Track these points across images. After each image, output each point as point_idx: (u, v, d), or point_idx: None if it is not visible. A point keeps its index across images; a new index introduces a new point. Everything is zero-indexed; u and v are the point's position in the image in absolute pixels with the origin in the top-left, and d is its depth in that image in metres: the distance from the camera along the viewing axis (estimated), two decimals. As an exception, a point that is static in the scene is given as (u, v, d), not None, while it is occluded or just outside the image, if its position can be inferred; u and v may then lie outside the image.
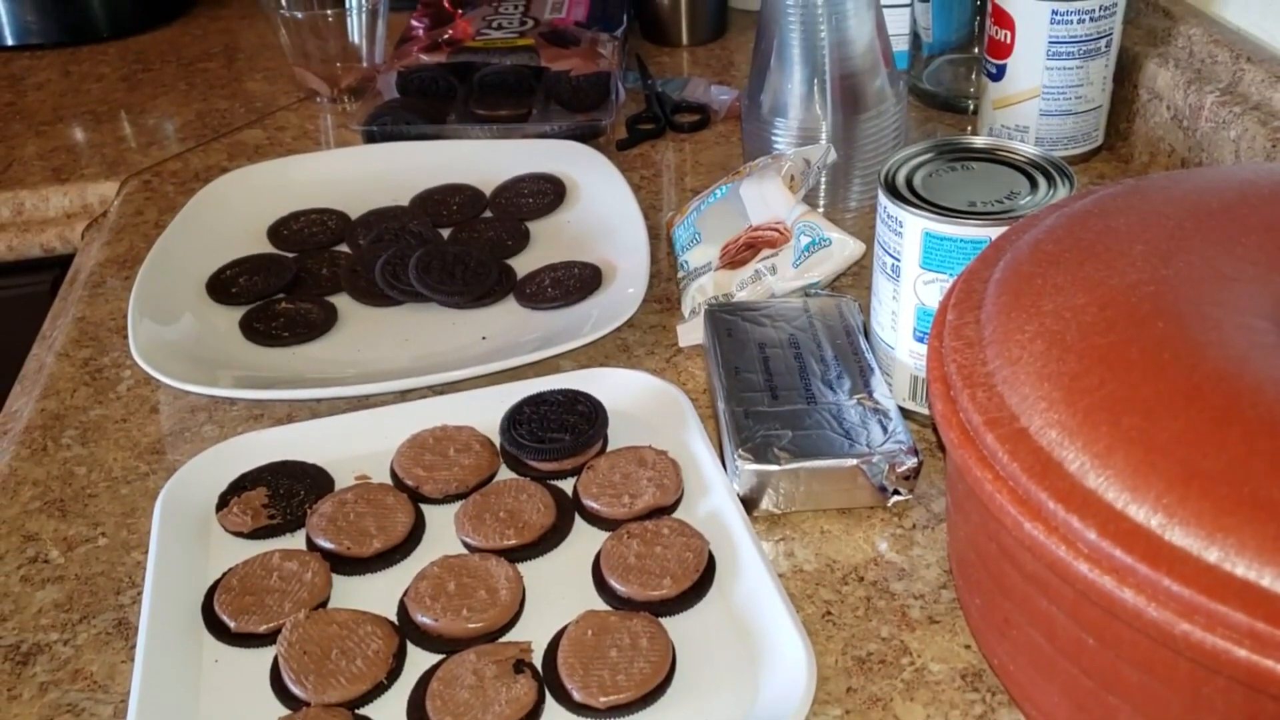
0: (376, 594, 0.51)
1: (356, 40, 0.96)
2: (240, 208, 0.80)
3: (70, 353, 0.69)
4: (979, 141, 0.58)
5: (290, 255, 0.76)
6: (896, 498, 0.53)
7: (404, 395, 0.63)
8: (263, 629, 0.49)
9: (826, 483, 0.53)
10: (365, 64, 0.97)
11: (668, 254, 0.74)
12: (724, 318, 0.62)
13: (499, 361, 0.63)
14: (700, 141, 0.90)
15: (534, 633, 0.49)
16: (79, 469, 0.60)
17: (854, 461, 0.52)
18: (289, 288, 0.73)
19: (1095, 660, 0.37)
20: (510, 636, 0.48)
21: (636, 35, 1.07)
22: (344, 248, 0.77)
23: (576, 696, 0.45)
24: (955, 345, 0.43)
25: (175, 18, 1.19)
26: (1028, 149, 0.57)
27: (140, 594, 0.52)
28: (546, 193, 0.81)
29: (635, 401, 0.60)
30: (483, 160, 0.84)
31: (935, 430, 0.57)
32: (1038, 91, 0.78)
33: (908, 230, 0.54)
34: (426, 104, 0.91)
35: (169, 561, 0.51)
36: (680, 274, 0.69)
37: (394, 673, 0.47)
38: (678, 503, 0.54)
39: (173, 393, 0.65)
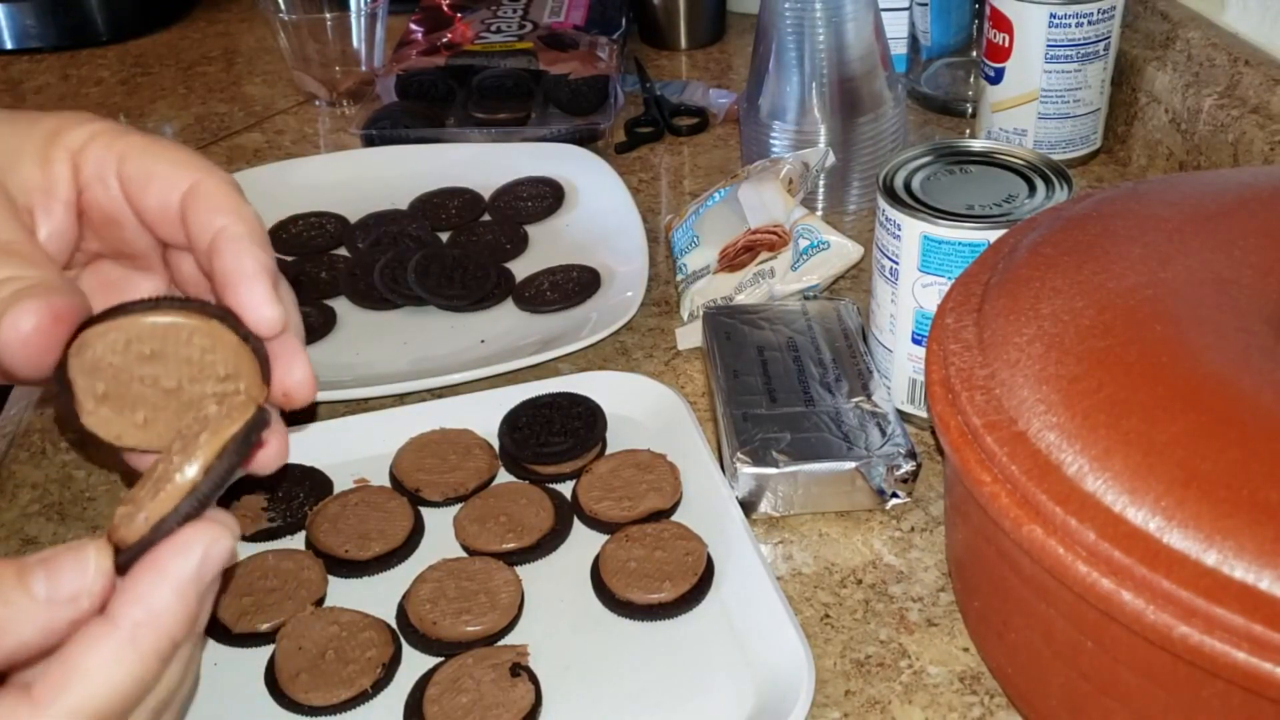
0: (375, 596, 0.51)
1: (355, 44, 0.96)
2: (239, 211, 0.80)
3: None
4: (977, 145, 0.58)
5: (289, 259, 0.76)
6: (895, 500, 0.53)
7: (403, 399, 0.63)
8: (264, 627, 0.49)
9: (825, 486, 0.53)
10: (364, 67, 0.97)
11: (666, 257, 0.74)
12: (722, 321, 0.62)
13: (498, 365, 0.63)
14: (699, 145, 0.90)
15: (532, 636, 0.49)
16: (78, 473, 0.60)
17: (852, 464, 0.52)
18: (288, 291, 0.73)
19: (1093, 663, 0.37)
20: (509, 640, 0.48)
21: (635, 38, 1.07)
22: (343, 251, 0.77)
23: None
24: (954, 348, 0.43)
25: (174, 21, 1.19)
26: (1026, 152, 0.57)
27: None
28: (545, 196, 0.81)
29: (634, 405, 0.60)
30: (481, 164, 0.84)
31: (934, 433, 0.57)
32: (1036, 95, 0.78)
33: (906, 233, 0.54)
34: (425, 107, 0.91)
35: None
36: (679, 277, 0.69)
37: (380, 683, 0.46)
38: (676, 506, 0.54)
39: (171, 396, 0.64)
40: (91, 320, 0.34)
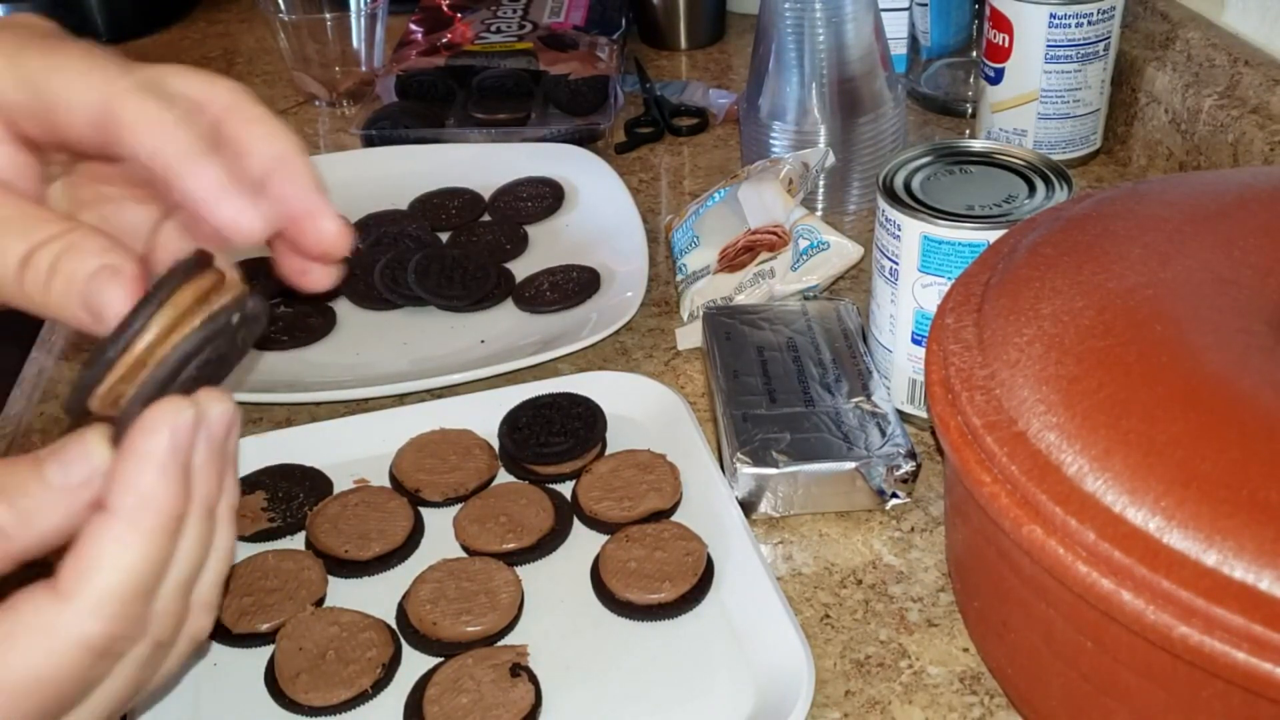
0: (375, 597, 0.51)
1: (355, 44, 0.96)
2: (239, 211, 0.80)
3: (70, 356, 0.69)
4: (977, 145, 0.58)
5: (289, 259, 0.76)
6: (895, 501, 0.53)
7: (402, 399, 0.63)
8: (264, 628, 0.49)
9: (825, 486, 0.53)
10: (364, 68, 0.97)
11: (666, 257, 0.74)
12: (722, 321, 0.62)
13: (497, 365, 0.63)
14: (699, 145, 0.90)
15: (532, 636, 0.49)
16: (77, 473, 0.60)
17: (852, 465, 0.52)
18: (288, 291, 0.72)
19: (1093, 663, 0.37)
20: (509, 640, 0.48)
21: (635, 39, 1.07)
22: (343, 251, 0.77)
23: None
24: (953, 349, 0.43)
25: (174, 21, 1.19)
26: (1026, 152, 0.57)
27: (139, 598, 0.52)
28: (545, 196, 0.81)
29: (634, 405, 0.60)
30: (481, 164, 0.84)
31: (933, 433, 0.57)
32: (1036, 95, 0.78)
33: (906, 234, 0.54)
34: (425, 108, 0.91)
35: (167, 565, 0.51)
36: (679, 277, 0.69)
37: (380, 683, 0.47)
38: (676, 506, 0.54)
39: (171, 396, 0.64)
40: None
